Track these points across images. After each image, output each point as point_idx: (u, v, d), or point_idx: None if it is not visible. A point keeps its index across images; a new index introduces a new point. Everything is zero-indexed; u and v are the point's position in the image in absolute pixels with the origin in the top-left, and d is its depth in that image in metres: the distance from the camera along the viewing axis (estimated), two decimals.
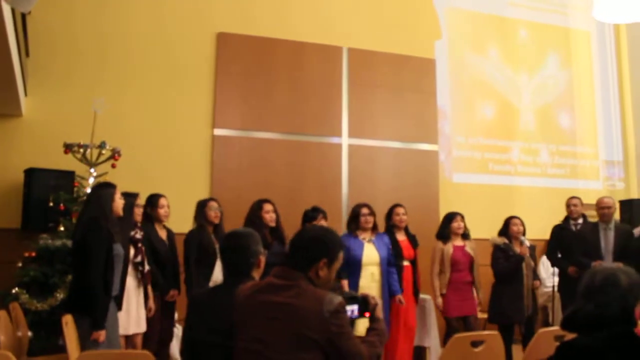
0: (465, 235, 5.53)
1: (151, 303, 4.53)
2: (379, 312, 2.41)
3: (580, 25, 8.56)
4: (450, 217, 5.55)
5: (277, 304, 2.15)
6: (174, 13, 6.43)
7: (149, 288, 4.53)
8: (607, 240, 5.61)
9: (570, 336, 2.36)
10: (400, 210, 5.46)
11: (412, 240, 5.47)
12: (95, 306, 3.51)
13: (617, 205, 6.41)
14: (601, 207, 5.68)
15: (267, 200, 4.99)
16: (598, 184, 8.30)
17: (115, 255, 3.66)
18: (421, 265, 5.52)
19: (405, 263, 5.36)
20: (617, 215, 6.25)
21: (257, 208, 4.94)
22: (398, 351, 5.22)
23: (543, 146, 8.03)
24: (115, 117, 5.85)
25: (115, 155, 5.38)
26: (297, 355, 2.08)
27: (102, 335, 3.48)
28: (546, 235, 6.20)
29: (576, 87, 8.42)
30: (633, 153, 8.47)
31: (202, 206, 4.95)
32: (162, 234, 4.81)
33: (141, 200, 4.61)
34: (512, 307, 5.29)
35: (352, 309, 2.32)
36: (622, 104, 8.62)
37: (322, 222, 4.89)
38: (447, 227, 5.51)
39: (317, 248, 2.24)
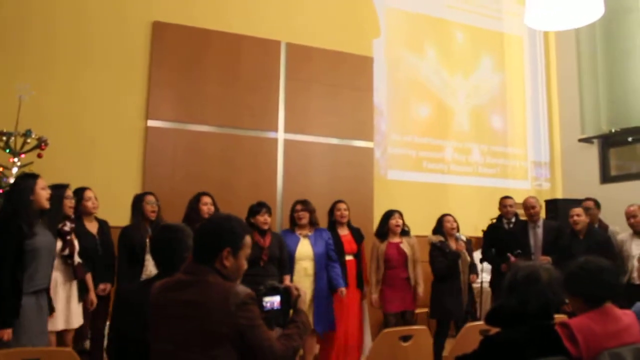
0: (404, 232, 5.61)
1: (92, 296, 4.41)
2: (302, 304, 2.35)
3: (514, 30, 8.82)
4: (388, 214, 5.62)
5: (184, 302, 2.08)
6: None
7: (90, 281, 4.41)
8: (536, 238, 5.88)
9: (494, 330, 2.42)
10: (341, 205, 5.54)
11: (356, 234, 5.55)
12: None
13: (543, 204, 6.67)
14: (526, 207, 5.97)
15: (205, 193, 4.99)
16: (526, 183, 8.59)
17: (31, 250, 3.50)
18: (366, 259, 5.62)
19: (349, 257, 5.44)
20: (543, 214, 6.51)
21: (194, 201, 4.93)
22: (341, 344, 5.27)
23: (475, 146, 8.24)
24: (42, 104, 5.60)
25: (41, 144, 5.13)
26: (209, 353, 2.01)
27: (6, 334, 3.33)
28: (478, 232, 6.37)
29: (508, 90, 8.68)
30: (559, 155, 8.82)
31: (138, 201, 4.84)
32: (92, 227, 4.67)
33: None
34: (451, 303, 5.41)
35: (272, 300, 2.26)
36: (550, 108, 8.95)
37: (266, 217, 4.88)
38: (385, 225, 5.59)
39: (217, 238, 2.17)
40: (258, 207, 4.92)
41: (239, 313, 2.02)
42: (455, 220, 5.65)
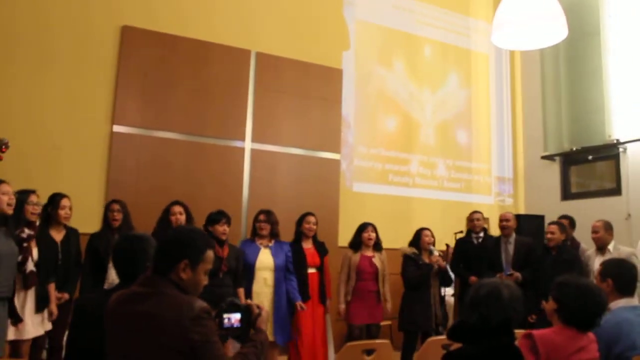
0: (377, 246, 5.64)
1: (52, 307, 4.32)
2: (261, 323, 2.28)
3: (481, 48, 8.98)
4: (362, 227, 5.67)
5: (138, 314, 2.01)
6: (74, 1, 6.07)
7: (53, 290, 4.34)
8: (507, 253, 5.98)
9: (456, 345, 2.44)
10: (311, 219, 5.52)
11: (320, 247, 5.53)
12: None
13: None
14: (501, 221, 6.07)
15: (176, 202, 4.93)
16: (490, 199, 8.71)
17: None
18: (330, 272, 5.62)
19: (311, 270, 5.40)
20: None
21: (164, 211, 4.90)
22: (304, 357, 5.25)
23: (441, 160, 8.34)
24: (3, 107, 5.48)
25: (2, 147, 5.01)
26: None
27: None
28: (441, 246, 6.43)
29: (474, 106, 8.81)
30: (522, 171, 8.98)
31: (106, 209, 4.88)
32: (58, 236, 4.58)
33: (41, 198, 4.39)
34: (420, 316, 5.47)
35: (230, 317, 2.21)
36: (514, 125, 9.12)
37: (224, 227, 4.82)
38: (358, 237, 5.62)
39: (176, 249, 2.10)
40: (218, 216, 4.84)
41: (192, 328, 1.95)
42: (432, 235, 5.73)
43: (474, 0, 9.05)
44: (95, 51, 6.11)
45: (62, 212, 4.57)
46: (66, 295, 4.54)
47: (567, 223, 6.12)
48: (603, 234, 5.57)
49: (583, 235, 5.94)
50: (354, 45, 7.81)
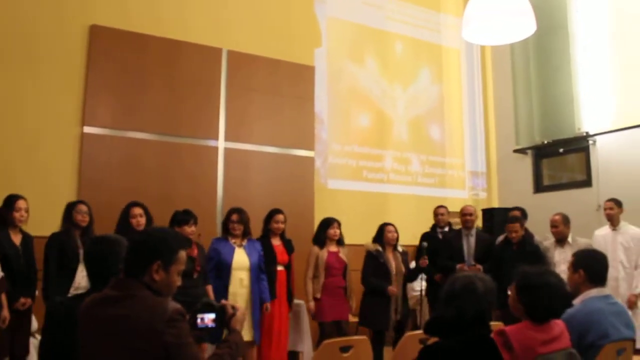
0: (339, 242, 5.63)
1: (5, 313, 4.20)
2: (235, 323, 2.26)
3: (452, 43, 9.04)
4: (327, 222, 5.64)
5: (110, 318, 1.98)
6: (42, 0, 5.95)
7: (4, 297, 4.21)
8: (469, 245, 6.05)
9: (433, 340, 2.45)
10: (280, 217, 5.47)
11: (287, 245, 5.51)
12: None
13: (480, 214, 6.86)
14: (464, 214, 6.12)
15: (136, 204, 4.80)
16: (464, 193, 8.79)
17: None
18: (296, 270, 5.56)
19: (280, 268, 5.38)
20: (479, 223, 6.69)
21: (123, 212, 4.77)
22: (271, 357, 5.21)
23: (414, 156, 8.38)
24: None
25: None
26: None
27: None
28: (416, 241, 6.46)
29: (446, 101, 8.88)
30: (494, 165, 9.08)
31: (69, 209, 4.70)
32: (16, 239, 4.48)
33: None
34: (378, 314, 5.47)
35: (204, 317, 2.19)
36: (486, 119, 9.21)
37: (192, 228, 4.77)
38: (323, 233, 5.59)
39: (148, 250, 2.07)
40: (186, 217, 4.78)
41: (166, 330, 1.93)
42: (396, 231, 5.73)
43: None
44: (65, 51, 6.00)
45: (17, 215, 4.44)
46: (29, 301, 4.45)
47: (520, 214, 6.20)
48: (562, 228, 5.71)
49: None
50: (325, 43, 7.81)
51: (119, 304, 2.00)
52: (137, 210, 4.74)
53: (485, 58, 9.36)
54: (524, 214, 6.35)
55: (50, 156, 5.80)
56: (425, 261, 5.73)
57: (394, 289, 5.50)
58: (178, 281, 2.13)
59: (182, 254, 2.14)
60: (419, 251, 5.88)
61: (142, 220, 4.72)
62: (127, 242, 2.19)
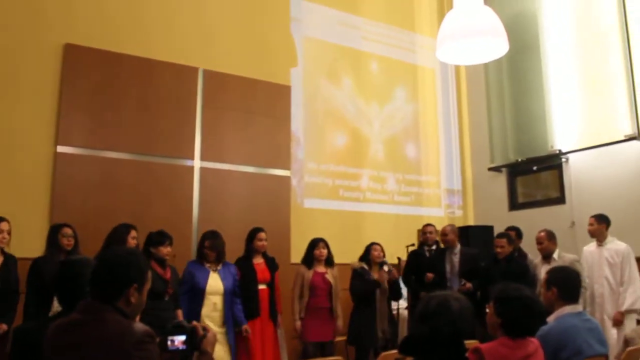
0: (328, 262, 5.63)
1: None
2: (207, 345, 2.22)
3: (426, 62, 9.14)
4: (313, 243, 5.69)
5: (78, 343, 1.95)
6: (15, 18, 5.86)
7: None
8: (452, 264, 6.10)
9: (409, 359, 2.44)
10: (262, 235, 5.49)
11: (270, 263, 5.50)
12: None
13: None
14: (442, 234, 6.27)
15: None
16: (440, 211, 8.83)
17: None
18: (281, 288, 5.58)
19: (262, 286, 5.36)
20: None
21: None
22: None
23: (390, 174, 8.42)
24: None
25: None
26: None
27: None
28: (393, 259, 6.48)
29: (421, 120, 8.95)
30: (470, 183, 9.15)
31: (54, 232, 4.66)
32: None
33: None
34: (364, 332, 5.47)
35: (174, 339, 2.15)
36: (461, 137, 9.31)
37: (168, 249, 4.74)
38: (310, 254, 5.61)
39: (125, 273, 2.05)
40: (161, 238, 4.77)
41: (135, 352, 1.90)
42: (382, 250, 5.77)
43: (418, 16, 9.22)
44: (38, 70, 5.90)
45: None
46: (4, 326, 4.35)
47: (514, 234, 6.27)
48: (547, 244, 5.77)
49: (532, 245, 6.07)
50: (301, 62, 7.84)
51: (86, 328, 1.96)
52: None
53: (459, 77, 9.47)
54: (518, 234, 6.42)
55: (23, 176, 5.68)
56: (385, 273, 5.70)
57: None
58: (144, 301, 2.14)
59: (149, 272, 2.16)
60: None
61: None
62: (97, 264, 2.14)
